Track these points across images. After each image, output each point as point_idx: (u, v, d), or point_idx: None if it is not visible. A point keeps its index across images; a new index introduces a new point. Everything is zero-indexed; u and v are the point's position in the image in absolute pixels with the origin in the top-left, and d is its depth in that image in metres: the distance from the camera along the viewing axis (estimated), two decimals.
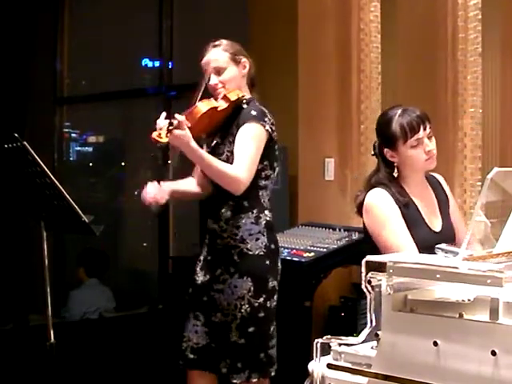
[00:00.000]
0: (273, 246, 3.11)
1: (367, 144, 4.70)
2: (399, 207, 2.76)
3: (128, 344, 4.66)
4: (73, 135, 7.36)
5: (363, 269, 1.86)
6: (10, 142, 3.02)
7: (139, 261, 6.68)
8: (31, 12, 6.84)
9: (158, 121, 2.90)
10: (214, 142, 3.16)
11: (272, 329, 3.11)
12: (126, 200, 6.86)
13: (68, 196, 3.03)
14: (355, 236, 4.05)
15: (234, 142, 3.03)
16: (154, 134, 2.83)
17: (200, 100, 3.05)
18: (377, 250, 2.73)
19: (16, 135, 2.98)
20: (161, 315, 5.22)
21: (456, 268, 1.73)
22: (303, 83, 4.59)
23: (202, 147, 3.04)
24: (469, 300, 1.74)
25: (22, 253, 6.18)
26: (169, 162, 3.26)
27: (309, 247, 4.02)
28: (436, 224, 2.85)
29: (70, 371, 4.03)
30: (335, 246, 4.00)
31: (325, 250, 3.97)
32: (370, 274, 1.84)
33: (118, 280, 6.52)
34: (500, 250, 1.87)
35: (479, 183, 4.17)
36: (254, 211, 3.07)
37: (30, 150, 2.98)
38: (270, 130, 3.05)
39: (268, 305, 3.06)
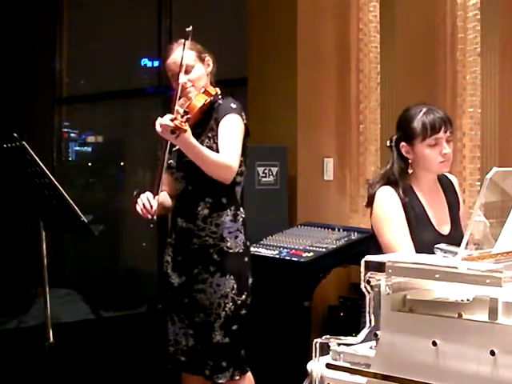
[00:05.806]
0: (248, 243, 3.11)
1: (366, 144, 4.70)
2: (403, 206, 2.76)
3: (127, 343, 4.66)
4: (72, 135, 7.36)
5: (362, 269, 1.86)
6: (9, 141, 3.02)
7: (138, 260, 6.68)
8: (30, 11, 6.85)
9: (165, 116, 2.83)
10: None
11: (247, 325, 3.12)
12: (125, 200, 6.86)
13: (67, 196, 3.03)
14: (354, 236, 4.05)
15: (213, 136, 3.01)
16: (177, 122, 2.78)
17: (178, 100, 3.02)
18: (378, 245, 2.76)
19: (15, 135, 2.98)
20: (160, 315, 5.21)
21: (455, 268, 1.73)
22: (302, 83, 4.59)
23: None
24: (468, 300, 1.74)
25: (21, 252, 6.18)
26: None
27: (308, 247, 4.02)
28: (444, 227, 2.83)
29: (69, 371, 4.03)
30: (334, 246, 4.00)
31: (324, 249, 3.97)
32: (369, 274, 1.85)
33: (117, 280, 6.53)
34: (499, 250, 1.87)
35: (478, 183, 4.17)
36: (232, 208, 3.05)
37: (29, 149, 2.97)
38: (247, 125, 3.07)
39: (248, 302, 3.07)
